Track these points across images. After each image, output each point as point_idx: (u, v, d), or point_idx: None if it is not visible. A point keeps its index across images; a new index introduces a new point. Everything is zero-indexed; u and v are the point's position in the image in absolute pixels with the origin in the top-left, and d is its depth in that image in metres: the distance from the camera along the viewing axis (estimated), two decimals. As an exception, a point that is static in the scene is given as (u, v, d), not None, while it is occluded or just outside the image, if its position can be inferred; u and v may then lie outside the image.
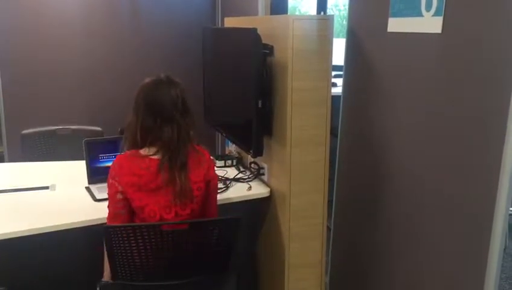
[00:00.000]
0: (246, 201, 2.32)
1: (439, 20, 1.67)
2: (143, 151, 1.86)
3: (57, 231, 1.96)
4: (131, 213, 1.89)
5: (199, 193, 1.93)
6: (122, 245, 1.78)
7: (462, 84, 1.62)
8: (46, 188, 2.36)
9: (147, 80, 1.90)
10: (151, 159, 1.85)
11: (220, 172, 2.43)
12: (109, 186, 1.87)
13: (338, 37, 2.68)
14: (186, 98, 1.89)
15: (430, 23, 1.71)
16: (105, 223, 1.85)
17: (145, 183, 1.83)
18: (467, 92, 1.60)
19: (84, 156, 2.38)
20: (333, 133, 2.26)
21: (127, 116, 1.91)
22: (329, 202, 2.33)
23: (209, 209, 2.02)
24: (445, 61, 1.68)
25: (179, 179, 1.84)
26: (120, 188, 1.84)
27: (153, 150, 1.86)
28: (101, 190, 2.24)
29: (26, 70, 3.79)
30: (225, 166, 2.65)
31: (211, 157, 2.03)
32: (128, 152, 1.88)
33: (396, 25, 1.91)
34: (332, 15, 2.11)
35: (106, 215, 2.00)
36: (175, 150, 1.84)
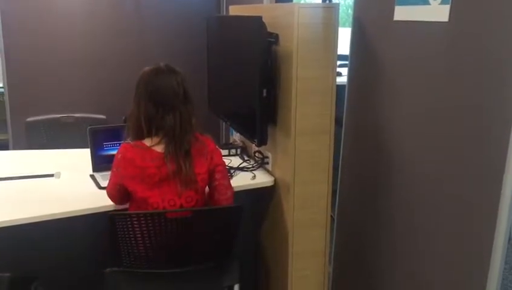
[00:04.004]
0: (250, 190, 2.33)
1: (446, 8, 1.65)
2: (147, 142, 1.86)
3: (62, 219, 1.97)
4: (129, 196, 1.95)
5: (203, 184, 1.94)
6: (126, 233, 1.80)
7: (469, 74, 1.60)
8: (51, 175, 2.37)
9: (146, 68, 1.90)
10: (154, 151, 1.85)
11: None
12: (112, 174, 1.93)
13: (344, 26, 2.65)
14: (187, 86, 1.89)
15: (437, 12, 1.70)
16: (110, 211, 1.85)
17: (148, 175, 1.84)
18: (475, 82, 1.58)
19: (89, 144, 2.39)
20: (338, 122, 2.25)
21: (131, 105, 1.92)
22: (334, 191, 2.33)
23: (221, 194, 2.01)
24: (452, 50, 1.67)
25: (184, 167, 1.84)
26: (120, 181, 1.89)
27: (156, 140, 1.86)
28: (106, 178, 2.24)
29: (31, 59, 3.78)
30: (229, 155, 2.65)
31: (216, 146, 2.02)
32: (132, 143, 1.88)
33: (402, 13, 1.89)
34: (338, 3, 2.09)
35: (111, 203, 2.02)
36: (178, 138, 1.84)
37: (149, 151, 1.85)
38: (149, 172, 1.84)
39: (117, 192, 1.95)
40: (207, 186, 2.00)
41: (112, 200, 2.00)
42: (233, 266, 2.00)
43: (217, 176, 1.99)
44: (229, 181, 2.07)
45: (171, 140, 1.84)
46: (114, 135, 2.41)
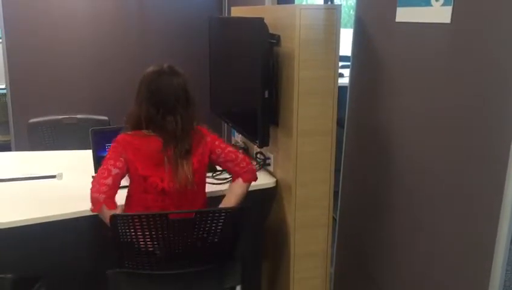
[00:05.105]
0: (252, 191, 2.32)
1: (449, 9, 1.65)
2: (146, 131, 1.90)
3: (64, 220, 1.97)
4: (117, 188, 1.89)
5: (199, 177, 1.96)
6: (128, 234, 1.80)
7: (471, 75, 1.60)
8: (53, 177, 2.37)
9: (150, 69, 1.93)
10: (153, 137, 1.88)
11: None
12: (107, 162, 1.87)
13: (346, 27, 2.66)
14: (189, 88, 1.91)
15: (439, 13, 1.70)
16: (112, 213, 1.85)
17: (147, 155, 1.87)
18: (477, 84, 1.58)
19: (91, 145, 2.39)
20: (340, 123, 2.25)
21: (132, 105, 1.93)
22: (336, 192, 2.33)
23: (235, 165, 2.03)
24: (454, 52, 1.67)
25: (181, 167, 1.87)
26: (121, 161, 1.85)
27: (155, 133, 1.90)
28: (108, 179, 2.24)
29: (33, 60, 3.80)
30: (231, 156, 2.65)
31: (208, 138, 2.02)
32: (129, 132, 1.92)
33: (404, 14, 1.89)
34: (340, 4, 2.09)
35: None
36: (179, 140, 1.88)
37: (147, 137, 1.89)
38: (148, 153, 1.87)
39: (111, 178, 1.83)
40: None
41: (100, 190, 1.80)
42: (235, 267, 2.00)
43: (218, 158, 2.01)
44: (237, 154, 2.06)
45: (171, 141, 1.88)
46: (116, 136, 2.41)
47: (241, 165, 2.01)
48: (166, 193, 1.88)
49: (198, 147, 1.95)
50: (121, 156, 1.86)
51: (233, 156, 2.02)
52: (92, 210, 1.82)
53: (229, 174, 2.09)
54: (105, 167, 1.85)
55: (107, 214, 1.79)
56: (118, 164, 1.85)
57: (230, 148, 2.05)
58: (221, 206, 1.98)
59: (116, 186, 1.85)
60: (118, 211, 1.82)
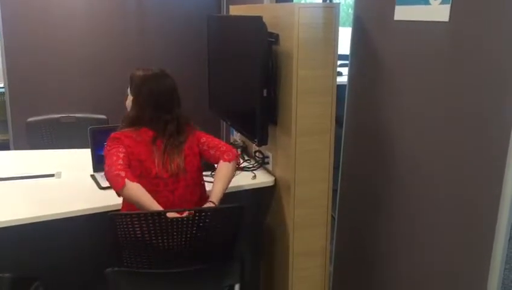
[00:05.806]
0: (251, 190, 2.33)
1: (447, 8, 1.65)
2: (136, 127, 1.95)
3: (62, 219, 1.97)
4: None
5: (190, 166, 1.98)
6: (127, 233, 1.79)
7: (469, 74, 1.60)
8: (52, 175, 2.37)
9: (143, 72, 2.01)
10: (143, 129, 1.94)
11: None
12: (109, 154, 1.89)
13: (344, 26, 2.65)
14: (178, 89, 2.00)
15: (437, 11, 1.70)
16: (111, 211, 1.85)
17: (142, 143, 1.92)
18: (475, 82, 1.58)
19: (89, 144, 2.39)
20: (338, 122, 2.25)
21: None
22: (334, 191, 2.33)
23: (217, 150, 2.03)
24: (453, 50, 1.67)
25: (172, 155, 1.93)
26: (123, 147, 1.89)
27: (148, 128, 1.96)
28: (106, 178, 2.24)
29: (31, 59, 3.79)
30: (230, 155, 2.65)
31: (195, 135, 2.06)
32: (123, 130, 1.97)
33: (403, 13, 1.89)
34: (338, 3, 2.09)
35: (111, 203, 2.02)
36: (173, 136, 1.95)
37: (137, 130, 1.94)
38: (142, 141, 1.92)
39: (121, 159, 1.85)
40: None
41: (117, 168, 1.81)
42: (234, 266, 2.00)
43: (203, 147, 2.04)
44: (220, 141, 2.09)
45: (165, 135, 1.94)
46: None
47: (222, 149, 2.04)
48: (159, 178, 1.91)
49: (188, 137, 2.01)
50: (120, 143, 1.91)
51: (216, 143, 2.06)
52: (116, 189, 1.81)
53: (214, 163, 2.07)
54: (111, 155, 1.87)
55: (130, 189, 1.79)
56: (120, 149, 1.89)
57: (214, 138, 2.10)
58: (211, 194, 1.97)
59: (128, 166, 1.87)
60: (141, 188, 1.82)
